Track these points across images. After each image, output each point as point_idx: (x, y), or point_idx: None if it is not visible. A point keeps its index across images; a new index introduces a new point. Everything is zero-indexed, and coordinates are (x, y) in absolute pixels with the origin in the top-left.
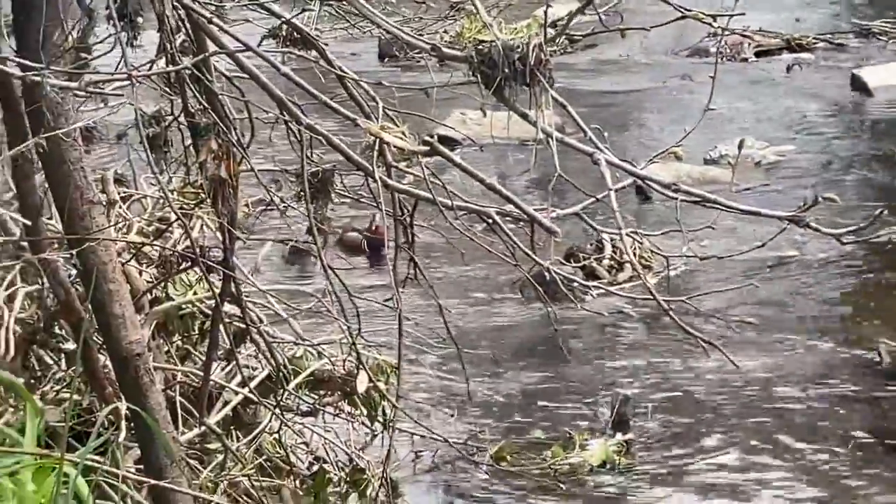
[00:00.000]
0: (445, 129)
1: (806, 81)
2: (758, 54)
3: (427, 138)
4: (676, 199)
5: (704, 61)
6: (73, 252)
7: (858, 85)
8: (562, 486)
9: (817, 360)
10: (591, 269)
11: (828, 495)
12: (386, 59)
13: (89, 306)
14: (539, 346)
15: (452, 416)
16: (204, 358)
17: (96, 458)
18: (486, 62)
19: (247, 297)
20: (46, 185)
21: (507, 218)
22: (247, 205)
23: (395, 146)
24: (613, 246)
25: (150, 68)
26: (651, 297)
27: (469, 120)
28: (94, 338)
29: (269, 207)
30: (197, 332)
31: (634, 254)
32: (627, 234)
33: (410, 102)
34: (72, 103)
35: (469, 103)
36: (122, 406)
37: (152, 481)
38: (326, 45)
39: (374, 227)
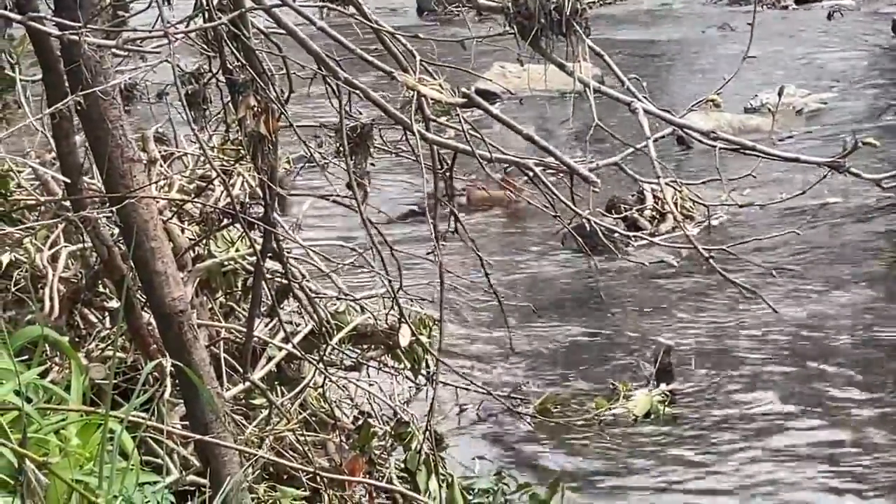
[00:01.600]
0: (485, 83)
1: (847, 27)
2: (798, 1)
3: (465, 90)
4: (715, 147)
5: (744, 9)
6: (114, 210)
7: None
8: (606, 436)
9: (862, 308)
10: (633, 220)
11: (875, 446)
12: (425, 14)
13: (132, 264)
14: (581, 297)
15: (495, 368)
16: (247, 314)
17: (142, 414)
18: (522, 12)
19: (288, 252)
20: (87, 145)
21: (548, 170)
22: (288, 161)
23: (432, 99)
24: (654, 196)
25: (187, 25)
26: (692, 247)
27: (509, 73)
28: (138, 295)
29: (310, 164)
30: (240, 288)
31: (675, 203)
32: (667, 184)
33: (449, 57)
34: (110, 62)
35: (508, 56)
36: (167, 363)
37: (197, 436)
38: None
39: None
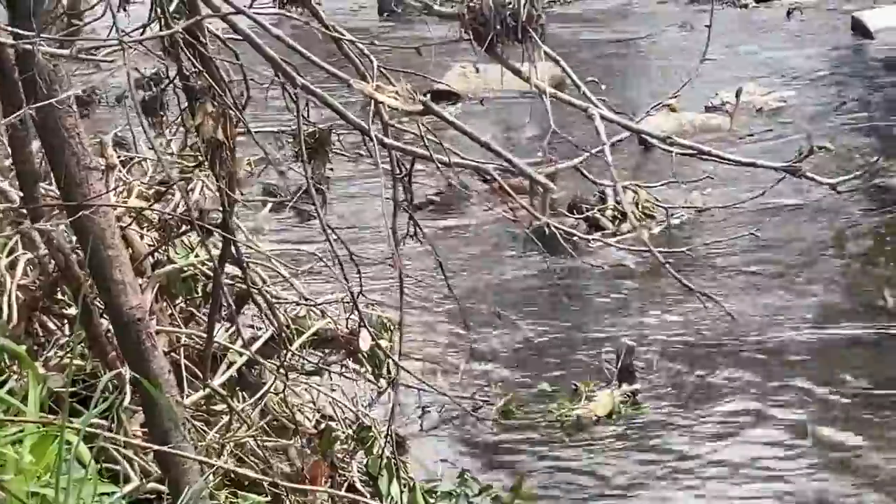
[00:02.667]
0: (446, 85)
1: (806, 26)
2: (758, 0)
3: (420, 97)
4: (672, 152)
5: (703, 8)
6: (70, 219)
7: (859, 28)
8: (569, 437)
9: (822, 306)
10: (594, 220)
11: (834, 439)
12: (385, 14)
13: (89, 272)
14: (543, 299)
15: (457, 371)
16: (207, 320)
17: (102, 422)
18: (477, 19)
19: (248, 258)
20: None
21: (507, 174)
22: (249, 164)
23: (388, 106)
24: (616, 198)
25: (143, 33)
26: (647, 250)
27: (470, 73)
28: (96, 303)
29: (272, 167)
30: (200, 294)
31: (637, 204)
32: (626, 187)
33: (410, 58)
34: (66, 70)
35: (470, 57)
36: (126, 371)
37: (154, 447)
38: (319, 3)
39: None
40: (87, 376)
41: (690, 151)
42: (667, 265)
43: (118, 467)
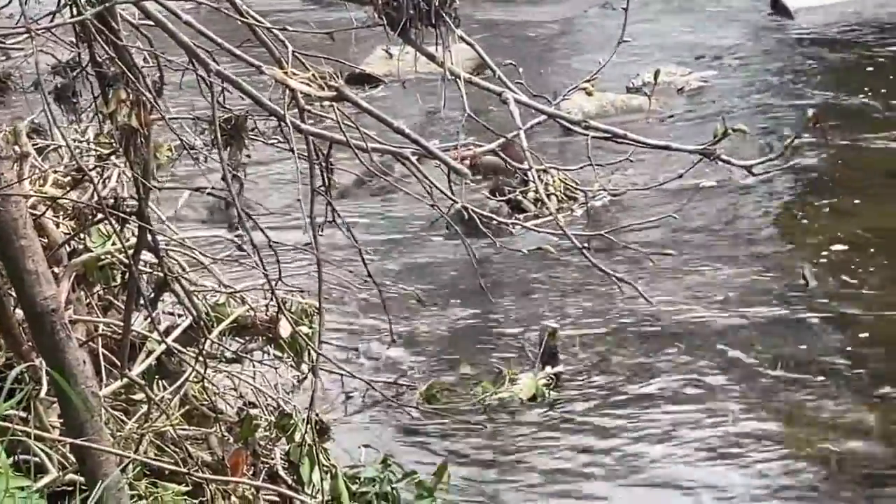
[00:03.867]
0: (365, 69)
1: (727, 6)
2: None
3: (333, 83)
4: (587, 135)
5: None
6: None
7: (779, 8)
8: (492, 421)
9: (742, 287)
10: (516, 203)
11: (757, 420)
12: None
13: (1, 263)
14: (465, 283)
15: (379, 357)
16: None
17: (14, 413)
18: (390, 3)
19: (166, 246)
20: None
21: (426, 157)
22: (170, 149)
23: (301, 92)
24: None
25: (52, 19)
26: (563, 234)
27: (393, 56)
28: (10, 293)
29: (189, 154)
30: (118, 282)
31: (557, 188)
32: (545, 170)
33: (332, 43)
34: None
35: (395, 39)
36: (41, 363)
37: (67, 440)
38: None
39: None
40: (2, 368)
41: (606, 135)
42: (583, 249)
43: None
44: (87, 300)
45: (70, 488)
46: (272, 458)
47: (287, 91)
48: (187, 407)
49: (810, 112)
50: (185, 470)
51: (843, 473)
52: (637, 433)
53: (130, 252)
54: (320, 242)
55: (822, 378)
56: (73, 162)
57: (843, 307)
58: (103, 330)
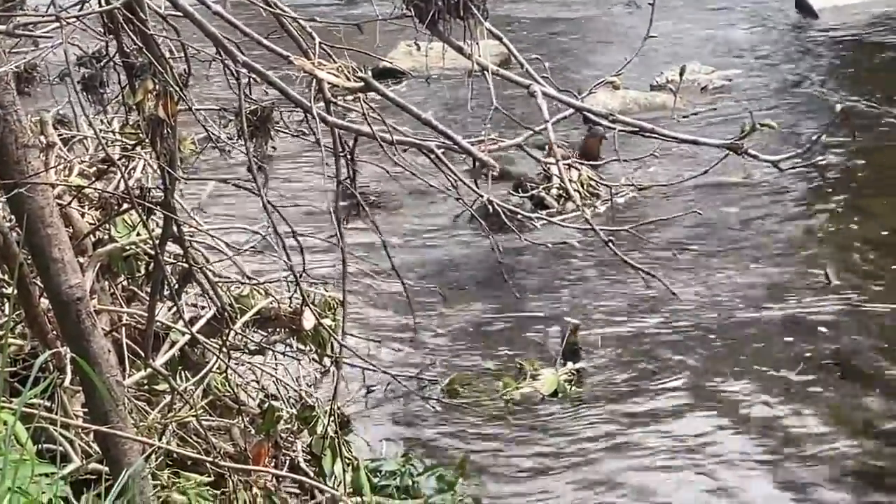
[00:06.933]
0: (391, 62)
1: (751, 4)
2: None
3: (360, 74)
4: (614, 129)
5: None
6: (7, 197)
7: (803, 7)
8: (513, 416)
9: (765, 284)
10: (539, 199)
11: (778, 417)
12: None
13: (27, 251)
14: (490, 277)
15: (402, 349)
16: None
17: (40, 402)
18: None
19: (191, 237)
20: None
21: (451, 151)
22: (193, 142)
23: (329, 83)
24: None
25: (81, 8)
26: (591, 228)
27: (416, 52)
28: (36, 282)
29: (214, 145)
30: (143, 273)
31: (582, 183)
32: (570, 165)
33: (355, 35)
34: (2, 46)
35: (421, 33)
36: (66, 351)
37: (93, 427)
38: None
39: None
40: (28, 356)
41: (633, 129)
42: (610, 244)
43: (60, 448)
44: (111, 290)
45: (93, 477)
46: (294, 451)
47: (314, 83)
48: (210, 398)
49: (838, 107)
50: (207, 459)
51: (865, 471)
52: (659, 431)
53: (156, 242)
54: (345, 236)
55: (843, 376)
56: (99, 152)
57: (864, 306)
58: (127, 320)
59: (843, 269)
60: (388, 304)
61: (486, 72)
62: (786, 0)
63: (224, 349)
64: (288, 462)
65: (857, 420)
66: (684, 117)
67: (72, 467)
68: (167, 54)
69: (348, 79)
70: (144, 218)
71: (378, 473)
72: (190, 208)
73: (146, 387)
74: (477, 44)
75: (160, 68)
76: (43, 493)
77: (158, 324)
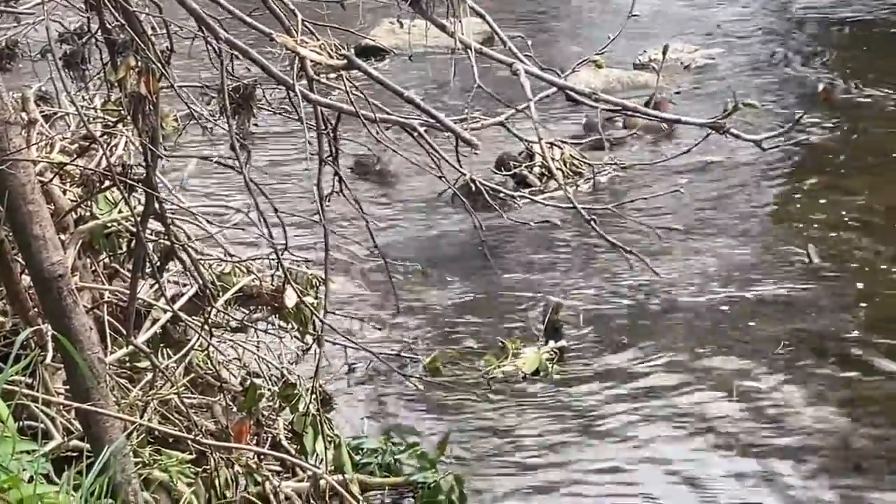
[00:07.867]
0: (374, 40)
1: None
2: None
3: (344, 52)
4: (597, 108)
5: None
6: None
7: None
8: (495, 394)
9: (746, 263)
10: (522, 177)
11: (759, 395)
12: None
13: (8, 228)
14: (470, 256)
15: (384, 327)
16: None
17: (21, 379)
18: None
19: (173, 214)
20: None
21: (434, 129)
22: (176, 119)
23: (311, 61)
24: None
25: None
26: (573, 207)
27: (399, 29)
28: (17, 259)
29: (197, 122)
30: (124, 250)
31: (564, 161)
32: (552, 143)
33: (338, 13)
34: None
35: (405, 11)
36: (47, 328)
37: (74, 404)
38: None
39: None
40: (9, 333)
41: (616, 108)
42: (592, 222)
43: (41, 424)
44: (93, 268)
45: (75, 454)
46: (276, 428)
47: (296, 61)
48: (192, 375)
49: (821, 86)
50: (189, 437)
51: (849, 449)
52: (641, 408)
53: (138, 219)
54: (327, 213)
55: (823, 355)
56: (80, 129)
57: (847, 285)
58: (109, 297)
59: (825, 248)
60: (370, 282)
61: (469, 50)
62: None
63: (206, 327)
64: (270, 440)
65: (837, 399)
66: (676, 93)
67: (53, 444)
68: (149, 31)
69: (331, 56)
70: (126, 195)
71: (360, 451)
72: (172, 185)
73: (128, 364)
74: (460, 22)
75: (142, 45)
76: (24, 470)
77: (140, 301)
